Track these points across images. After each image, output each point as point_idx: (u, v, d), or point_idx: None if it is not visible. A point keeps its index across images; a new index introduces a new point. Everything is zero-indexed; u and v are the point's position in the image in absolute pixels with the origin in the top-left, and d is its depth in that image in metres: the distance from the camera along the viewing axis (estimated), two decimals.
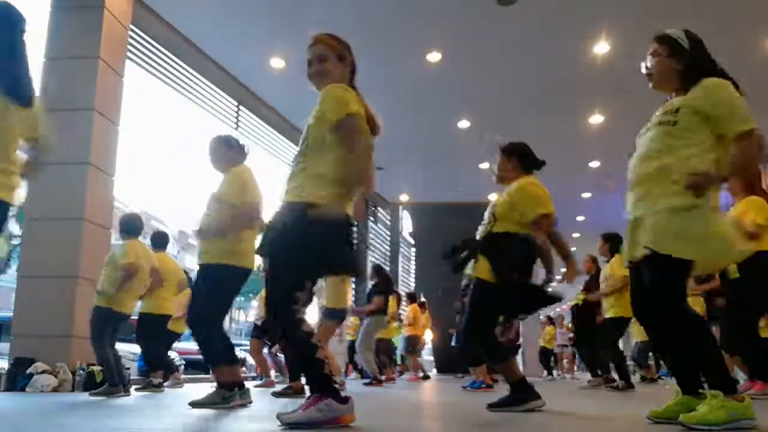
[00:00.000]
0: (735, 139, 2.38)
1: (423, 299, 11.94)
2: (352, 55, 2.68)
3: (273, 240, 2.45)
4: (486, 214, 3.58)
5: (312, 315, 5.13)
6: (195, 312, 3.73)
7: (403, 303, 11.82)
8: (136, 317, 6.05)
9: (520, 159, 3.66)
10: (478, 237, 3.54)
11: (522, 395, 3.34)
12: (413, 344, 10.47)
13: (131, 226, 5.37)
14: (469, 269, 3.50)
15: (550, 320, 15.28)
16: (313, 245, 2.33)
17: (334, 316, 5.88)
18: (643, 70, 2.65)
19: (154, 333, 6.04)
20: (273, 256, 2.45)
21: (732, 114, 2.41)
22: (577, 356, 15.37)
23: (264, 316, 7.21)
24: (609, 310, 6.40)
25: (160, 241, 6.54)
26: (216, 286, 3.70)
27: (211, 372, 4.08)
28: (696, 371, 2.56)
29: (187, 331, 6.83)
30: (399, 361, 11.92)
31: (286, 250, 2.38)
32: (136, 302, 5.45)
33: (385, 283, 7.88)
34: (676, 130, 2.45)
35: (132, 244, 5.25)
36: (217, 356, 3.77)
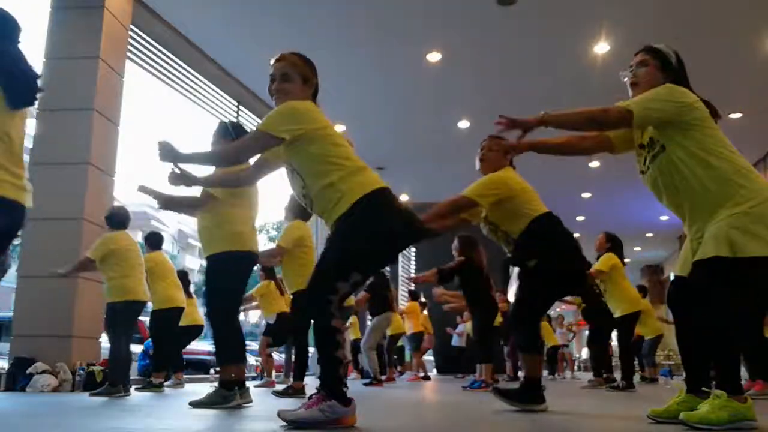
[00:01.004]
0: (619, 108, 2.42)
1: (423, 299, 11.94)
2: (316, 77, 2.73)
3: (328, 243, 2.49)
4: (485, 231, 3.63)
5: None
6: (211, 304, 3.74)
7: (403, 301, 11.84)
8: (142, 317, 6.07)
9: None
10: (509, 254, 3.59)
11: (530, 394, 3.35)
12: (418, 342, 10.47)
13: (116, 218, 5.33)
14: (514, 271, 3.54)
15: (549, 320, 15.26)
16: (363, 234, 2.37)
17: (340, 314, 5.87)
18: (627, 78, 2.66)
19: (167, 328, 6.04)
20: (329, 243, 2.47)
21: (653, 98, 2.44)
22: (575, 356, 15.39)
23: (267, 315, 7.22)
24: (616, 310, 6.45)
25: (154, 240, 6.53)
26: (220, 277, 3.71)
27: (217, 370, 4.07)
28: (708, 369, 2.55)
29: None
30: (408, 359, 11.95)
31: (343, 238, 2.41)
32: (145, 287, 5.38)
33: (383, 278, 7.92)
34: (671, 153, 2.44)
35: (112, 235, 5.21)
36: (229, 351, 3.77)
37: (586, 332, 8.68)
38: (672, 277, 2.68)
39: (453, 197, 3.49)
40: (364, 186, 2.44)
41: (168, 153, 2.60)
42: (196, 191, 3.76)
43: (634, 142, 2.68)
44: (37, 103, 2.54)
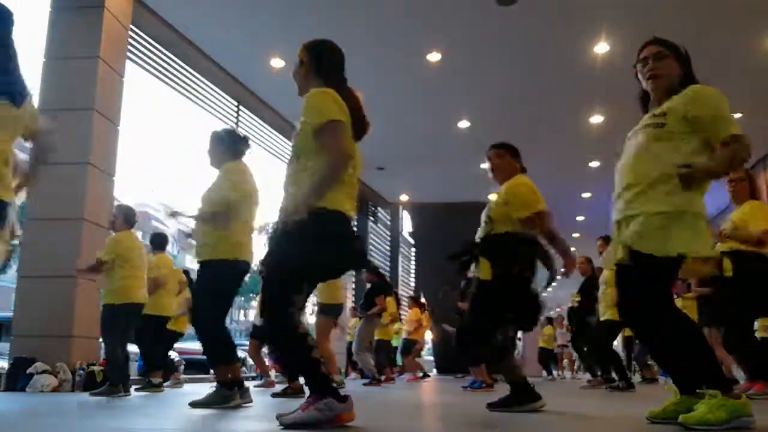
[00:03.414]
0: (724, 142, 2.38)
1: (423, 300, 11.94)
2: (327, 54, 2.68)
3: (271, 243, 2.47)
4: (482, 217, 3.60)
5: (307, 312, 5.15)
6: (197, 309, 3.74)
7: (405, 305, 11.82)
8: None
9: (519, 158, 3.72)
10: (477, 239, 3.54)
11: (522, 395, 3.35)
12: (409, 347, 10.47)
13: (128, 219, 5.33)
14: (472, 271, 3.51)
15: (550, 321, 15.28)
16: (311, 247, 2.34)
17: (329, 312, 5.88)
18: (644, 71, 2.63)
19: (153, 334, 6.03)
20: (271, 257, 2.46)
21: (722, 118, 2.42)
22: (576, 357, 15.39)
23: (258, 319, 7.23)
24: (605, 313, 6.42)
25: (159, 242, 6.54)
26: (215, 283, 3.72)
27: (213, 371, 4.09)
28: (688, 370, 2.56)
29: (188, 331, 6.87)
30: (399, 362, 11.94)
31: (285, 252, 2.39)
32: (145, 290, 5.38)
33: (385, 282, 7.92)
34: (664, 133, 2.46)
35: (118, 237, 5.22)
36: (218, 354, 3.78)
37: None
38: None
39: (545, 222, 3.46)
40: (334, 202, 2.40)
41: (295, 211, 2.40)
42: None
43: (641, 104, 2.69)
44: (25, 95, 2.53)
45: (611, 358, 6.74)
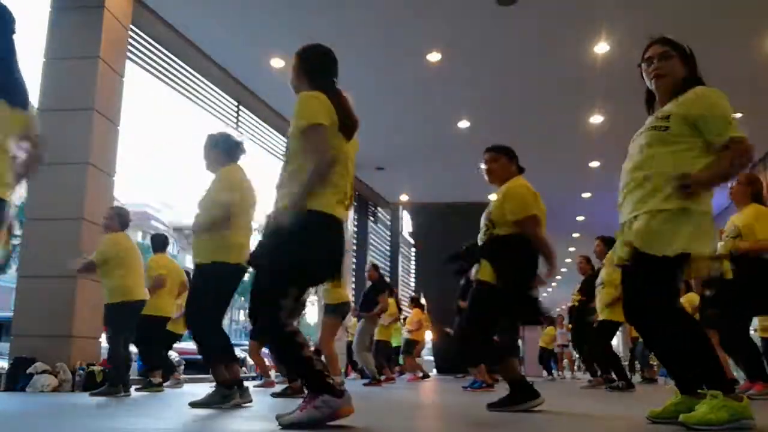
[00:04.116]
0: (725, 145, 2.38)
1: (423, 300, 11.95)
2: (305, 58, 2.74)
3: (261, 245, 2.51)
4: (482, 220, 3.61)
5: (313, 313, 5.17)
6: (192, 311, 3.75)
7: (405, 305, 11.82)
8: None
9: (516, 160, 3.73)
10: (479, 242, 3.56)
11: (521, 394, 3.35)
12: (410, 347, 10.47)
13: (122, 220, 5.32)
14: (473, 272, 3.53)
15: (551, 321, 15.28)
16: (298, 250, 2.37)
17: (335, 311, 5.88)
18: (650, 70, 2.62)
19: (152, 335, 6.03)
20: (259, 260, 2.49)
21: (724, 121, 2.42)
22: (576, 357, 15.39)
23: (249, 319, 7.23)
24: (602, 312, 6.43)
25: (160, 243, 6.54)
26: (212, 284, 3.72)
27: (210, 371, 4.09)
28: (691, 371, 2.56)
29: (187, 332, 6.87)
30: (401, 362, 11.96)
31: (271, 255, 2.43)
32: (143, 287, 5.37)
33: (385, 282, 7.92)
34: (668, 136, 2.46)
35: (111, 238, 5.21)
36: (215, 355, 3.78)
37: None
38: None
39: (534, 228, 3.45)
40: (323, 204, 2.42)
41: (283, 217, 2.46)
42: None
43: (646, 104, 2.69)
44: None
45: (610, 358, 6.74)
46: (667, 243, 2.35)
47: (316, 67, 2.71)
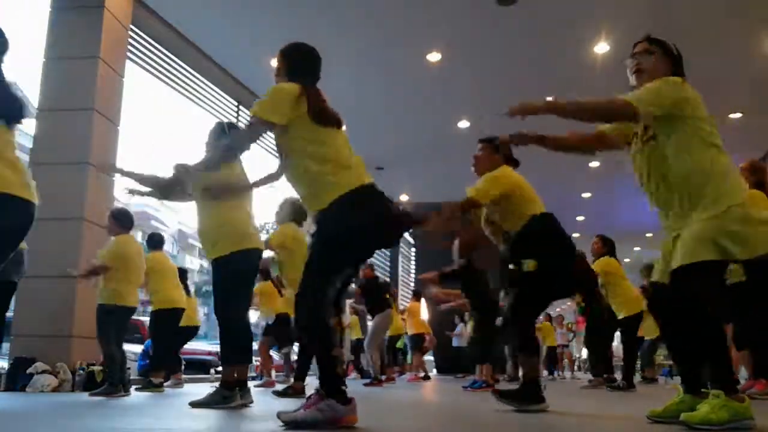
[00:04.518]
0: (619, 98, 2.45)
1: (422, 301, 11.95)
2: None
3: (312, 242, 2.55)
4: (487, 231, 3.65)
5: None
6: (226, 306, 3.73)
7: (406, 305, 11.81)
8: (141, 317, 6.06)
9: (507, 156, 3.84)
10: (504, 252, 3.62)
11: (530, 395, 3.35)
12: (419, 342, 10.49)
13: (127, 220, 5.33)
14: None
15: (550, 320, 15.28)
16: (347, 229, 2.42)
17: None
18: (631, 66, 2.68)
19: (167, 329, 6.04)
20: (312, 241, 2.53)
21: (647, 90, 2.46)
22: (575, 356, 15.40)
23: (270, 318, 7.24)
24: (620, 311, 6.50)
25: (156, 241, 6.53)
26: (232, 276, 3.70)
27: (222, 367, 4.07)
28: (702, 369, 2.56)
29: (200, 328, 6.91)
30: (409, 360, 11.99)
31: (318, 243, 2.47)
32: (137, 294, 5.39)
33: (379, 281, 8.00)
34: (660, 143, 2.47)
35: (119, 240, 5.22)
36: (238, 352, 3.78)
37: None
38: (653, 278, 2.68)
39: (459, 201, 3.52)
40: (347, 184, 2.46)
41: (183, 172, 2.61)
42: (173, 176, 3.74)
43: (630, 130, 2.70)
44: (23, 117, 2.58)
45: (635, 354, 6.84)
46: (716, 247, 2.31)
47: (297, 65, 2.76)
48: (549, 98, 2.58)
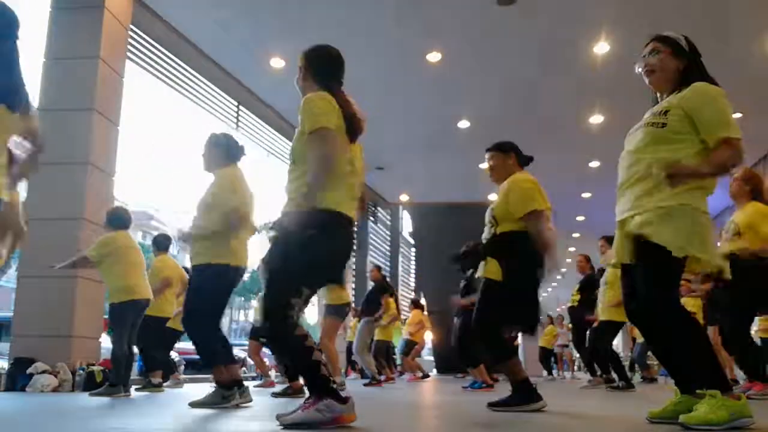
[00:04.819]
0: (718, 143, 2.39)
1: (423, 301, 11.94)
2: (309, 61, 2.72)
3: (272, 246, 2.51)
4: (486, 217, 3.60)
5: (312, 313, 5.18)
6: (190, 312, 3.74)
7: (406, 306, 11.82)
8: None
9: (518, 155, 3.73)
10: (483, 240, 3.56)
11: (524, 396, 3.34)
12: (409, 347, 10.47)
13: (117, 219, 5.31)
14: (479, 271, 3.52)
15: (551, 320, 15.29)
16: (310, 248, 2.36)
17: (336, 312, 5.89)
18: (640, 68, 2.66)
19: (153, 335, 6.03)
20: (271, 261, 2.48)
21: (719, 119, 2.41)
22: (575, 356, 15.39)
23: (257, 319, 7.23)
24: (604, 312, 6.42)
25: (162, 243, 6.54)
26: (210, 286, 3.71)
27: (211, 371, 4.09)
28: (690, 370, 2.56)
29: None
30: (399, 362, 11.96)
31: (284, 255, 2.42)
32: (147, 285, 5.32)
33: (387, 283, 7.95)
34: (665, 133, 2.46)
35: (110, 237, 5.18)
36: (213, 356, 3.78)
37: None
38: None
39: (542, 223, 3.44)
40: (333, 203, 2.43)
41: (283, 225, 2.48)
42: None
43: (653, 102, 2.68)
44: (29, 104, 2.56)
45: (610, 358, 6.74)
46: (668, 239, 2.35)
47: (324, 68, 2.69)
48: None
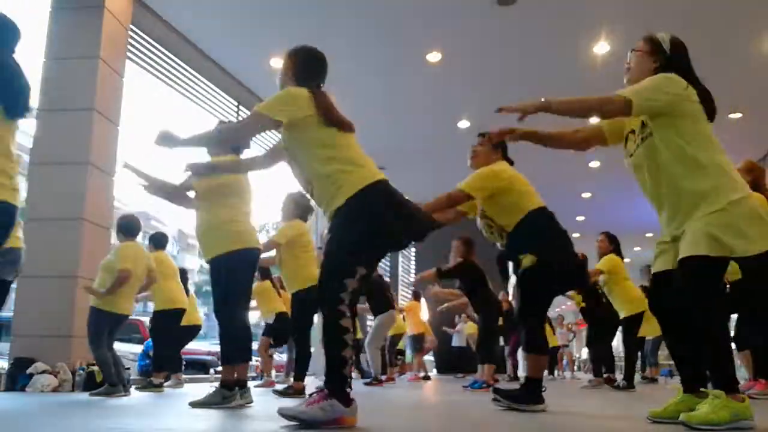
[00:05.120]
0: (616, 96, 2.48)
1: (423, 301, 11.95)
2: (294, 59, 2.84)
3: (330, 234, 2.54)
4: (481, 225, 3.65)
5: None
6: (225, 304, 3.74)
7: (404, 305, 11.82)
8: (141, 317, 6.05)
9: (504, 152, 3.82)
10: (500, 247, 3.62)
11: (530, 395, 3.35)
12: (419, 343, 10.49)
13: (129, 227, 5.35)
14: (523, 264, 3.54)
15: (550, 321, 15.30)
16: (366, 223, 2.41)
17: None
18: (625, 65, 2.72)
19: (168, 329, 6.04)
20: (328, 238, 2.52)
21: (637, 86, 2.50)
22: (575, 356, 15.39)
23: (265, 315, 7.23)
24: (621, 310, 6.50)
25: (159, 241, 6.54)
26: (230, 275, 3.71)
27: (221, 367, 4.08)
28: (703, 369, 2.56)
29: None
30: (409, 359, 11.99)
31: (338, 238, 2.46)
32: (133, 304, 5.41)
33: (382, 279, 8.01)
34: (657, 141, 2.47)
35: (127, 246, 5.23)
36: (238, 351, 3.78)
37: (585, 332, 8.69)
38: (651, 275, 2.69)
39: (449, 192, 3.54)
40: (362, 180, 2.46)
41: (165, 138, 2.72)
42: (185, 180, 3.81)
43: (624, 129, 2.71)
44: (29, 110, 2.58)
45: (631, 357, 6.83)
46: (718, 243, 2.32)
47: (305, 69, 2.76)
48: (542, 98, 2.57)
